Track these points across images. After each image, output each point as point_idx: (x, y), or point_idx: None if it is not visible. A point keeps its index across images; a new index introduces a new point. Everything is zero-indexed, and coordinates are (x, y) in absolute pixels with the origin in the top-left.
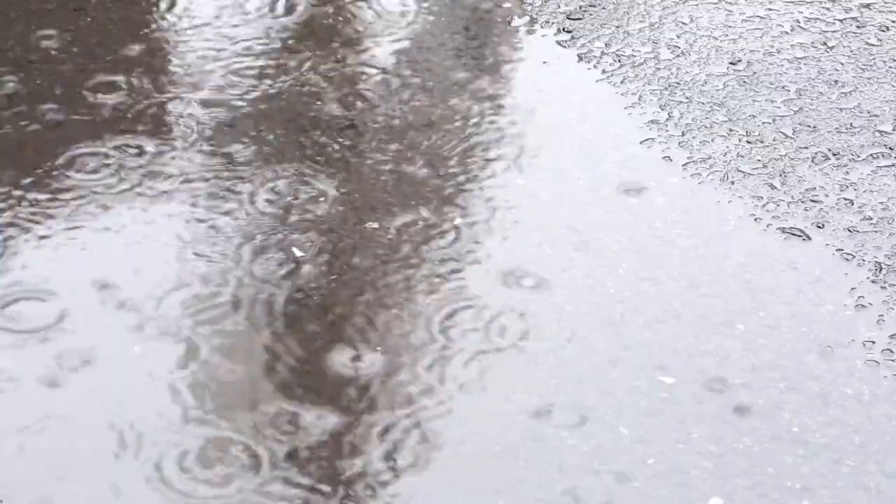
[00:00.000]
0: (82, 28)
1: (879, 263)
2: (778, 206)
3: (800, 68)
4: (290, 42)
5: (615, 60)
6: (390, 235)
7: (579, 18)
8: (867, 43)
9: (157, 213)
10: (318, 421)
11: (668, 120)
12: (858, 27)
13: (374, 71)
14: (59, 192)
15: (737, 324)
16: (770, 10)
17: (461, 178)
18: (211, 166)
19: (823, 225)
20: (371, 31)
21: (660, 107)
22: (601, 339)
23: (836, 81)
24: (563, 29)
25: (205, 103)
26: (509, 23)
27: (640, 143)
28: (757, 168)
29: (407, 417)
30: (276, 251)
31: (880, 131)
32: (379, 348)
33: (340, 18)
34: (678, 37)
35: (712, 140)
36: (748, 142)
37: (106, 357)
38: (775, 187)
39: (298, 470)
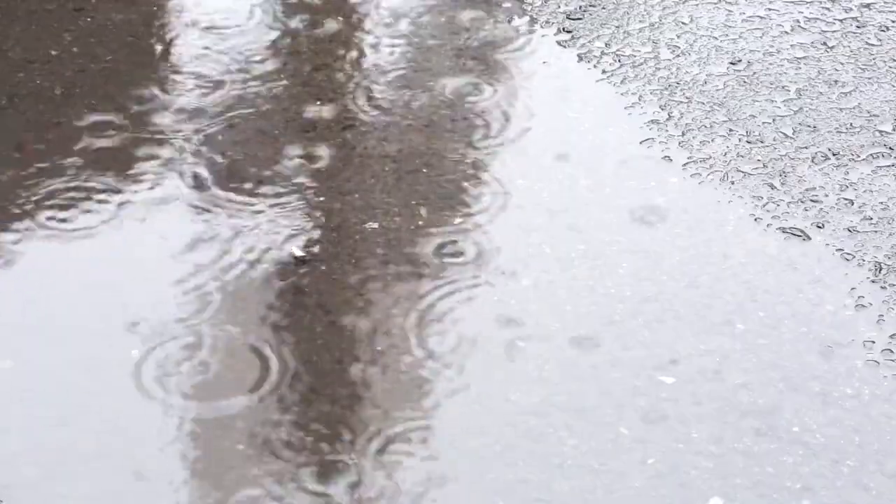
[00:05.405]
0: (82, 28)
1: (879, 263)
2: (778, 206)
3: (800, 68)
4: (290, 42)
5: (615, 60)
6: (390, 236)
7: (579, 18)
8: (867, 43)
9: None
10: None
11: (668, 120)
12: (858, 27)
13: (373, 71)
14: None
15: (737, 324)
16: (770, 10)
17: (461, 177)
18: (210, 169)
19: (823, 225)
20: (371, 31)
21: (660, 107)
22: (601, 339)
23: (836, 81)
24: (563, 29)
25: (206, 103)
26: (509, 23)
27: (640, 143)
28: (757, 168)
29: (407, 413)
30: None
31: (880, 131)
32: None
33: (340, 18)
34: (678, 37)
35: (712, 140)
36: (748, 142)
37: None
38: (775, 187)
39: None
